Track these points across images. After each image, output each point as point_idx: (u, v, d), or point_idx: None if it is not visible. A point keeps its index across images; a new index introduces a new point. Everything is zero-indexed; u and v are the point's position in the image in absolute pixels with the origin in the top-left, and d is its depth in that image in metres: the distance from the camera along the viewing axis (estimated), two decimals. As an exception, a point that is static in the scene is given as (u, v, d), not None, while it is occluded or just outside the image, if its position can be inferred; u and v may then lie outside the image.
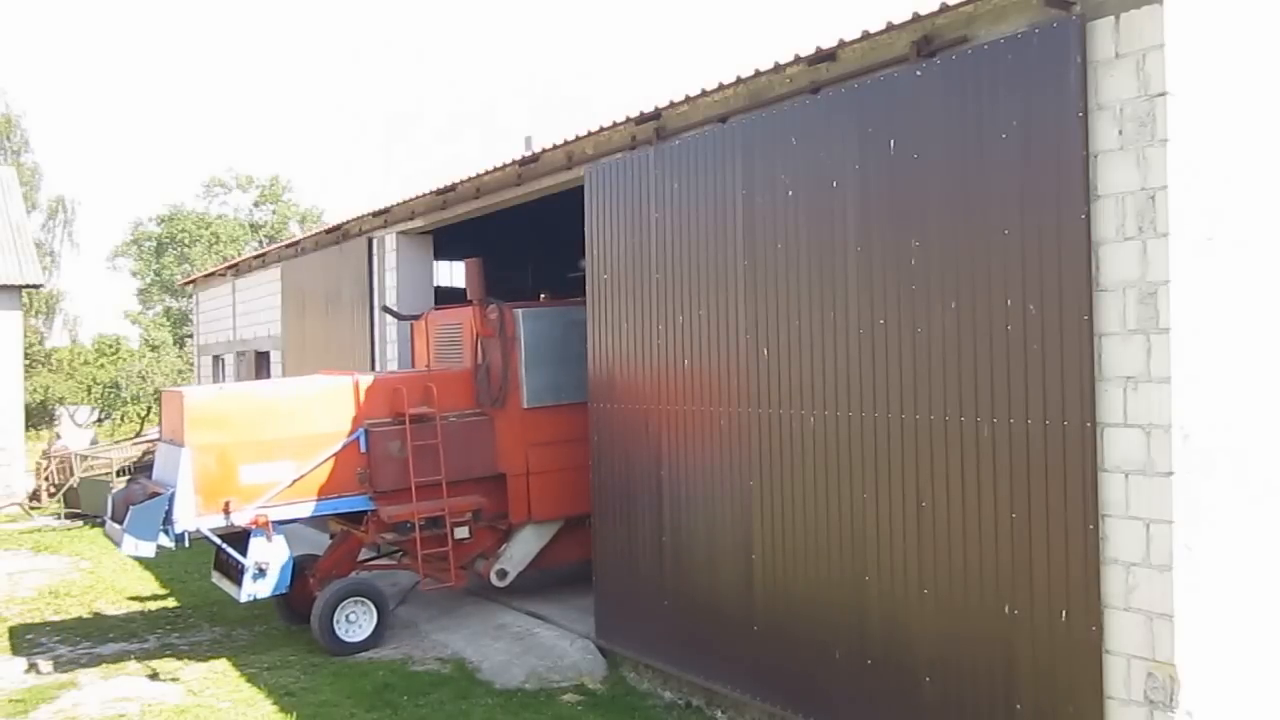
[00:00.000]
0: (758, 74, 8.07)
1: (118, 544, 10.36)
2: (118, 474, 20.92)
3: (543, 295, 12.72)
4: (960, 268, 6.63)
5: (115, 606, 13.25)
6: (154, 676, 10.18)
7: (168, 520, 10.13)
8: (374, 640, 10.81)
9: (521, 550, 11.85)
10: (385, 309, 14.10)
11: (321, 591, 10.91)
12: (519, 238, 15.89)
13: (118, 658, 10.85)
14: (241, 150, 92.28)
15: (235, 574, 10.65)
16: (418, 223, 14.52)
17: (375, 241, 15.66)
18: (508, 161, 11.41)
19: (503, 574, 11.72)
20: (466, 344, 11.98)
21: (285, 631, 11.60)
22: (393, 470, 11.04)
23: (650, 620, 9.40)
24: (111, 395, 42.21)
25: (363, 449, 11.01)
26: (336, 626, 10.70)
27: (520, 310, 11.72)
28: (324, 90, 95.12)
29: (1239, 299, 5.98)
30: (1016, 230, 6.29)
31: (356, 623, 10.81)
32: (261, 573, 10.40)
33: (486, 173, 11.94)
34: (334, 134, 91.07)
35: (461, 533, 11.31)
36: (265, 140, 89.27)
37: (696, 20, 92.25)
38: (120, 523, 10.24)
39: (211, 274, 25.85)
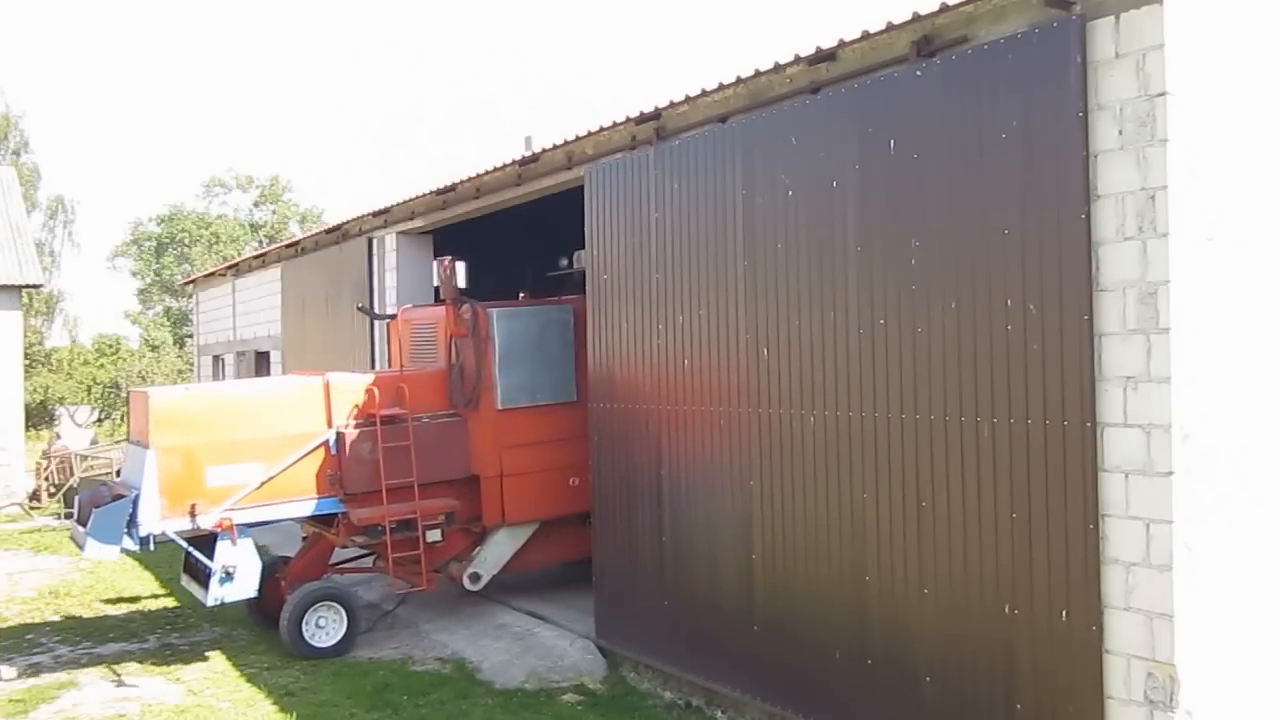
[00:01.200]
0: (758, 74, 8.07)
1: (80, 547, 10.13)
2: (117, 474, 20.91)
3: (521, 295, 12.61)
4: (960, 268, 6.63)
5: (115, 606, 13.24)
6: (153, 677, 10.17)
7: (132, 523, 9.93)
8: (345, 645, 10.62)
9: (495, 553, 11.65)
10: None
11: (290, 595, 10.73)
12: (519, 237, 15.89)
13: (118, 658, 10.84)
14: (241, 150, 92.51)
15: (204, 577, 10.45)
16: (418, 223, 14.52)
17: (375, 241, 15.67)
18: (508, 161, 11.41)
19: (476, 577, 11.52)
20: (441, 344, 11.83)
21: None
22: (364, 472, 10.85)
23: (650, 620, 9.40)
24: (111, 395, 42.27)
25: (333, 450, 10.83)
26: (305, 631, 10.51)
27: (494, 310, 11.53)
28: (324, 90, 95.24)
29: (1239, 299, 5.98)
30: (1016, 230, 6.29)
31: (326, 628, 10.61)
32: (229, 576, 10.18)
33: (486, 173, 11.94)
34: (334, 134, 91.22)
35: (433, 535, 11.07)
36: (265, 140, 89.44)
37: (696, 20, 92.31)
38: (84, 525, 10.07)
39: (211, 274, 25.87)
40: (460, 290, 11.39)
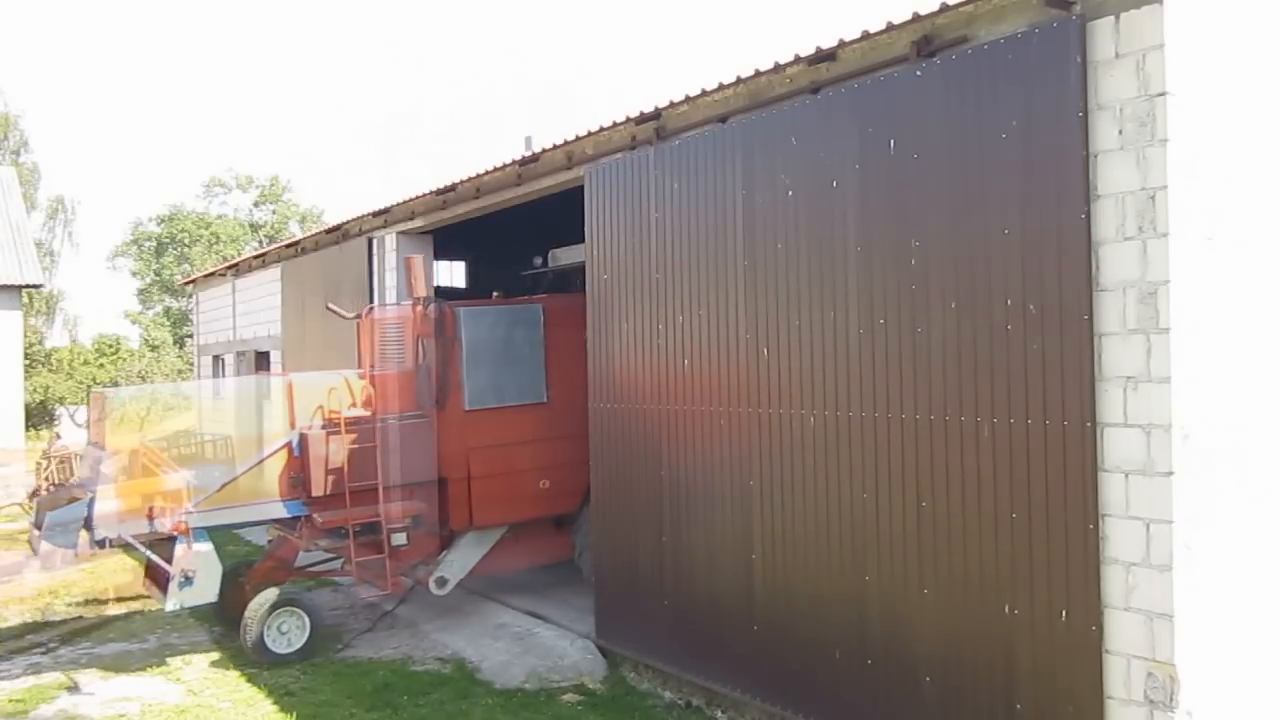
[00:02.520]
0: (758, 74, 8.07)
1: (35, 551, 10.05)
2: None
3: (495, 294, 12.49)
4: (960, 268, 6.63)
5: (115, 606, 13.24)
6: (154, 677, 10.17)
7: (89, 526, 9.77)
8: (307, 651, 10.43)
9: (462, 557, 11.50)
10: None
11: (252, 600, 10.53)
12: (519, 237, 15.88)
13: (118, 658, 10.85)
14: (241, 150, 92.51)
15: (163, 582, 10.26)
16: (418, 223, 14.52)
17: (375, 241, 15.66)
18: (508, 161, 11.41)
19: (442, 582, 11.36)
20: (408, 344, 11.66)
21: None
22: (327, 475, 10.61)
23: (650, 620, 9.40)
24: (111, 395, 42.09)
25: (296, 452, 10.64)
26: (266, 637, 10.34)
27: (462, 309, 11.37)
28: (324, 90, 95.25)
29: (1239, 299, 5.98)
30: (1016, 230, 6.29)
31: (288, 634, 10.44)
32: (188, 580, 10.00)
33: (486, 173, 11.94)
34: (334, 134, 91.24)
35: (399, 539, 10.83)
36: (265, 140, 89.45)
37: (696, 20, 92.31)
38: (40, 528, 9.93)
39: (211, 274, 25.86)
40: (436, 289, 11.28)
